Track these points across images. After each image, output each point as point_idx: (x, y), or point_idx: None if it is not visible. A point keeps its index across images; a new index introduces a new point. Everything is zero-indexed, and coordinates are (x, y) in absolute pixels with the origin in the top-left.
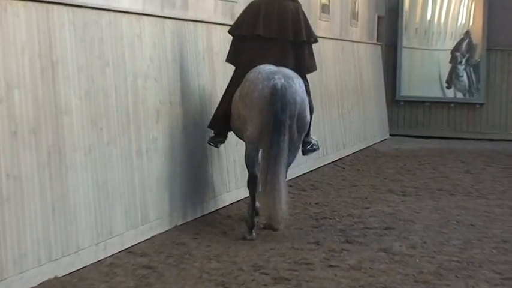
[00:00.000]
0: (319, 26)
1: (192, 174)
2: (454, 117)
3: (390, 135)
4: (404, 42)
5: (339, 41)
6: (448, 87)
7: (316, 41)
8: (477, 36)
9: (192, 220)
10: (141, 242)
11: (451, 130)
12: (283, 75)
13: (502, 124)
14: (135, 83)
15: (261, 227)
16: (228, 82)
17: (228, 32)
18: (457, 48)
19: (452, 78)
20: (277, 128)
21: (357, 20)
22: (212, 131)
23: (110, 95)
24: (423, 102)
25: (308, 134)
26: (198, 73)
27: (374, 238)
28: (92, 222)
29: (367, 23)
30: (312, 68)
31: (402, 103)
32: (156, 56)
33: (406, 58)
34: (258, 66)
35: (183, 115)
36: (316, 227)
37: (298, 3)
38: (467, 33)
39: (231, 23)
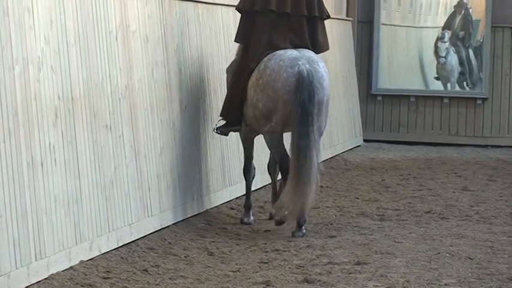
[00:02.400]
0: None
1: (104, 193)
2: (447, 117)
3: (364, 140)
4: (383, 18)
5: None
6: (438, 78)
7: (328, 16)
8: (479, 10)
9: (104, 253)
10: (35, 283)
11: (444, 134)
12: (307, 60)
13: (511, 125)
14: (25, 72)
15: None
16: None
17: (237, 8)
18: (448, 25)
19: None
20: (305, 119)
21: None
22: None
23: None
24: (407, 96)
25: None
26: (109, 59)
27: (342, 276)
28: None
29: None
30: (325, 46)
31: (380, 98)
32: (53, 37)
33: (385, 39)
34: (277, 52)
35: (90, 115)
36: (266, 263)
37: None
38: (460, 5)
39: None
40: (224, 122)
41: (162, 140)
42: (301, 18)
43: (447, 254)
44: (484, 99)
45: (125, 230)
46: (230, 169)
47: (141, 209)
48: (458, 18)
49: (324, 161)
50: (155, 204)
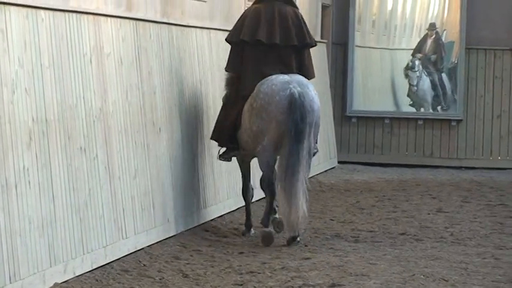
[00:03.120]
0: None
1: (78, 215)
2: (422, 139)
3: (339, 162)
4: (358, 40)
5: None
6: (413, 105)
7: (315, 44)
8: (453, 31)
9: (79, 276)
10: None
11: (419, 156)
12: (298, 83)
13: (485, 147)
14: None
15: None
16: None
17: (227, 39)
18: (419, 48)
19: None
20: (297, 138)
21: None
22: (218, 145)
23: None
24: (382, 118)
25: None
26: (83, 81)
27: None
28: None
29: (308, 13)
30: (311, 75)
31: (354, 120)
32: (27, 59)
33: (359, 61)
34: (269, 77)
35: (64, 137)
36: (241, 285)
37: (297, 7)
38: (432, 27)
39: (126, 14)
40: (225, 148)
41: (137, 162)
42: (289, 48)
43: (422, 276)
44: (458, 121)
45: (100, 252)
46: (205, 191)
47: (116, 231)
48: (429, 42)
49: None
50: (130, 227)
